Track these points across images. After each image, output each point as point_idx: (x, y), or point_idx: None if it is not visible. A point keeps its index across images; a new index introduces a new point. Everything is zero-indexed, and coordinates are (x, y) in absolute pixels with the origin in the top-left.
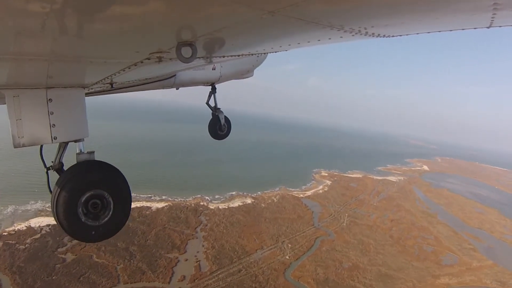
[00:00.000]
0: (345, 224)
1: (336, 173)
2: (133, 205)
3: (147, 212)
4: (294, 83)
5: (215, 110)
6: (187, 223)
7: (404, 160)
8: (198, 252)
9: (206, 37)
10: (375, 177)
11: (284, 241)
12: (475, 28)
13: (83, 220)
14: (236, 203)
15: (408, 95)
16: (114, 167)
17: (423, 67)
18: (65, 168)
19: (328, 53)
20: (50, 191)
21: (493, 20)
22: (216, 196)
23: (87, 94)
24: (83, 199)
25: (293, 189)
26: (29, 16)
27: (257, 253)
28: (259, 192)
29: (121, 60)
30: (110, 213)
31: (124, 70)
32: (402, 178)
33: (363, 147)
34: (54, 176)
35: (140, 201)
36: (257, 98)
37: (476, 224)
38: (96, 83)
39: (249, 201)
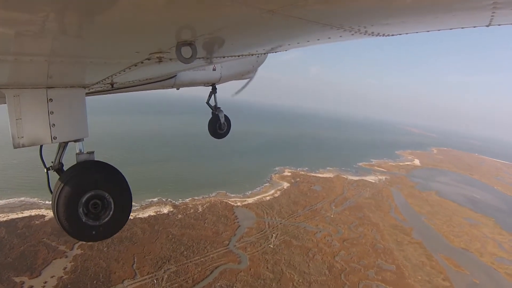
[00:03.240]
0: (272, 246)
1: (302, 172)
2: (25, 213)
3: (35, 222)
4: (290, 72)
5: (215, 109)
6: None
7: (394, 152)
8: (52, 276)
9: (205, 37)
10: (349, 177)
11: (169, 268)
12: (474, 27)
13: (83, 220)
14: (149, 212)
15: (411, 84)
16: (114, 167)
17: (426, 55)
18: (65, 168)
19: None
20: (51, 192)
21: (492, 19)
22: (143, 203)
23: (88, 94)
24: (84, 199)
25: (233, 195)
26: (30, 16)
27: (122, 284)
28: (187, 199)
29: (121, 61)
30: (111, 213)
31: (124, 71)
32: (383, 177)
33: (354, 136)
34: (54, 176)
35: (40, 208)
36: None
37: (462, 243)
38: (97, 83)
39: (165, 210)
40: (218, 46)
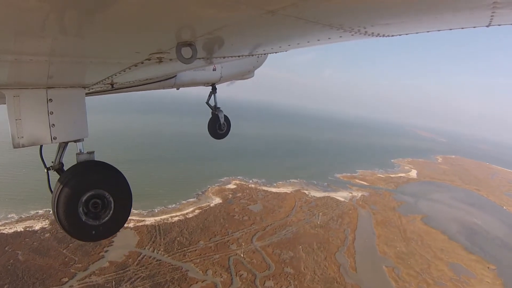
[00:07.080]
0: None
1: (252, 185)
2: None
3: None
4: (302, 73)
5: (215, 109)
6: None
7: (390, 160)
8: None
9: (205, 37)
10: (311, 194)
11: None
12: (474, 27)
13: (83, 219)
14: (18, 227)
15: (426, 85)
16: (114, 167)
17: (441, 55)
18: (65, 168)
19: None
20: (51, 191)
21: (492, 19)
22: (23, 215)
23: (88, 94)
24: (84, 199)
25: (137, 211)
26: (30, 16)
27: None
28: None
29: (121, 61)
30: (111, 212)
31: (124, 71)
32: (359, 194)
33: (350, 140)
34: (54, 176)
35: None
36: (256, 85)
37: None
38: (97, 83)
39: (38, 226)
40: (218, 47)
